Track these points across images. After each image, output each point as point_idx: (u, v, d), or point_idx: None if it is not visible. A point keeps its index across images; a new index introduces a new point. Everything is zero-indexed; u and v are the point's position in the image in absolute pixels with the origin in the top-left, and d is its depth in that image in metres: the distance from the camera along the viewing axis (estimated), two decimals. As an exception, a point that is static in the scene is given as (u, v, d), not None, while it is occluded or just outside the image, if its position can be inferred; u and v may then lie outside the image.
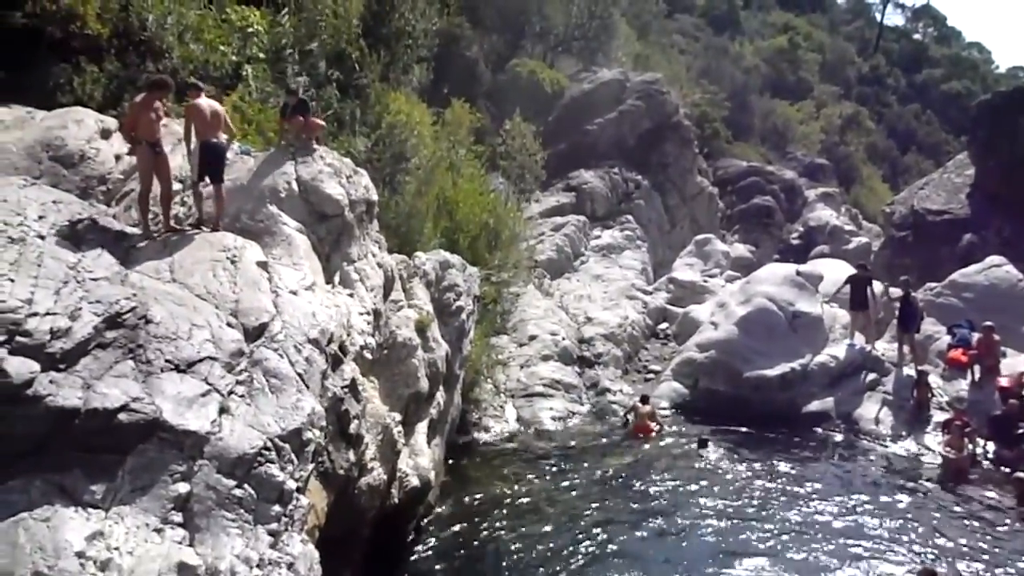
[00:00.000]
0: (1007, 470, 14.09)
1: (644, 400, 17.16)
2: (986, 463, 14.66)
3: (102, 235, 7.52)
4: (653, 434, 16.34)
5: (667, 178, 32.72)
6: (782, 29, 65.45)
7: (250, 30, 14.15)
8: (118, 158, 9.53)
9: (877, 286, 18.36)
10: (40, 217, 7.08)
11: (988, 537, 11.62)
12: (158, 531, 5.53)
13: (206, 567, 5.52)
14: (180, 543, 5.56)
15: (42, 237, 6.79)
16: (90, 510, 5.34)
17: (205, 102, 8.98)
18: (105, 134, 9.74)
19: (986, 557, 10.96)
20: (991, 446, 14.99)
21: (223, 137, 9.10)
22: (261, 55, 14.32)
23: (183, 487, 5.78)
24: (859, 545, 11.27)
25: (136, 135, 8.36)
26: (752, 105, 50.47)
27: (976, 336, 17.04)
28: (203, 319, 6.90)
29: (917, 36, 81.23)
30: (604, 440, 15.96)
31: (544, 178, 28.56)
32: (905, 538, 11.54)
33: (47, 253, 6.59)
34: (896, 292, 18.16)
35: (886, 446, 15.70)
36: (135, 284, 6.91)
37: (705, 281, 25.98)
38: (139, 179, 8.61)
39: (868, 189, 51.33)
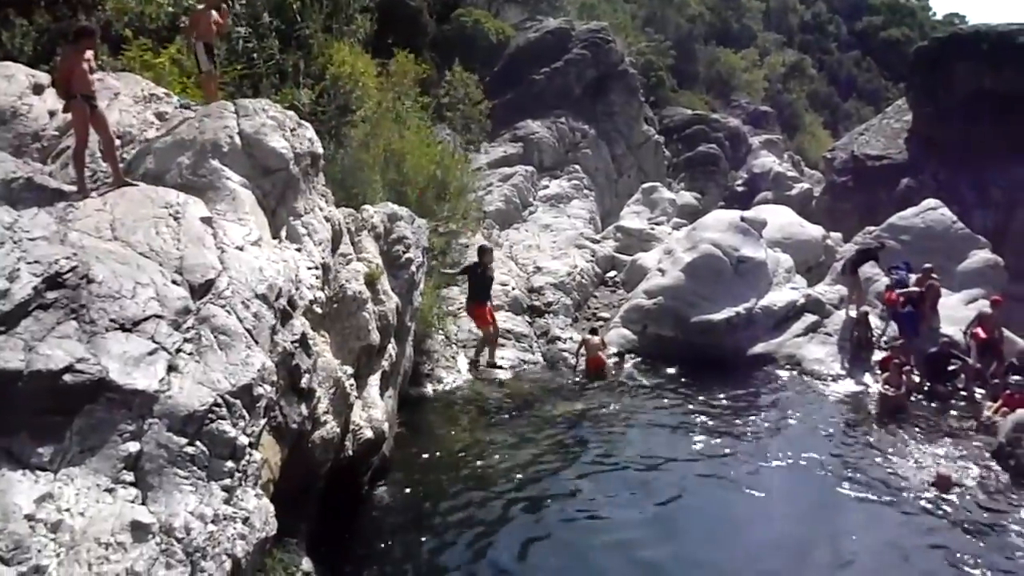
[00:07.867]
0: (938, 404, 14.90)
1: (593, 332, 17.57)
2: (921, 398, 15.27)
3: (38, 194, 7.30)
4: (606, 366, 16.73)
5: (613, 127, 32.81)
6: (726, -24, 65.47)
7: (186, -21, 13.67)
8: (52, 114, 9.22)
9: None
10: (-29, 176, 6.86)
11: (915, 461, 12.47)
12: (109, 491, 5.48)
13: (160, 524, 5.51)
14: (132, 502, 5.52)
15: (-26, 197, 6.59)
16: (38, 473, 5.27)
17: None
18: (37, 89, 9.39)
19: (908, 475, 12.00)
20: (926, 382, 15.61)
21: None
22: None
23: (133, 446, 5.73)
24: (806, 472, 12.07)
25: (72, 89, 8.09)
26: (696, 53, 50.64)
27: (914, 277, 17.58)
28: (147, 277, 6.78)
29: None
30: (555, 387, 16.17)
31: (491, 129, 28.40)
32: (839, 464, 12.38)
33: (-20, 213, 6.41)
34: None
35: (828, 384, 16.25)
36: (75, 243, 6.74)
37: (652, 229, 26.24)
38: (75, 135, 8.36)
39: (810, 136, 52.17)
